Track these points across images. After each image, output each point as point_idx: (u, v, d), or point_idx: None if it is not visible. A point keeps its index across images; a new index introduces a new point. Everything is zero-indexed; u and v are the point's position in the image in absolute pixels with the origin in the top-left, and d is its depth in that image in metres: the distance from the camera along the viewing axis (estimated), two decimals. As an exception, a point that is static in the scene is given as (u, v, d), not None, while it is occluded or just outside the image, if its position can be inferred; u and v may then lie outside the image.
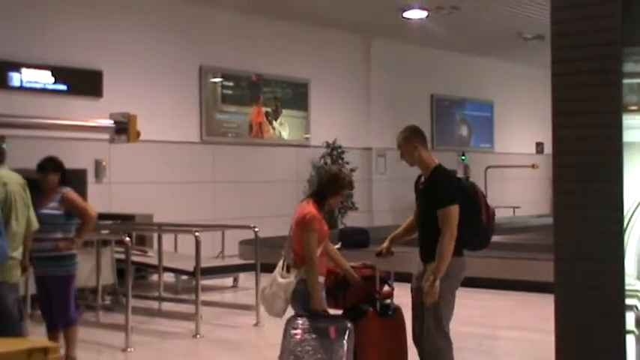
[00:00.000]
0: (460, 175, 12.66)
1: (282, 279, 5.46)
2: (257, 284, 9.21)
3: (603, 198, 3.59)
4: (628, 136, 3.55)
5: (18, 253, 5.93)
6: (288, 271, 5.48)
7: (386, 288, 5.70)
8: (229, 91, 15.94)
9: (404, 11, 15.91)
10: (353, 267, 5.73)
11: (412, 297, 5.51)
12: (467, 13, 16.03)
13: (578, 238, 3.68)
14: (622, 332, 3.58)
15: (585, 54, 3.63)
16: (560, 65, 3.75)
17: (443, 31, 17.55)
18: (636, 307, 3.59)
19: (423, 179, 5.49)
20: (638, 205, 3.54)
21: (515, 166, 21.44)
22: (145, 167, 14.33)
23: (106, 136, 12.82)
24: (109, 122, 12.56)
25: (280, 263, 5.56)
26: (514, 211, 20.58)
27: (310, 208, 5.54)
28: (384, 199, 18.80)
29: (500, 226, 16.76)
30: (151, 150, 14.04)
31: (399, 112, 19.18)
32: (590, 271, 3.64)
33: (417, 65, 19.68)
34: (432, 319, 5.25)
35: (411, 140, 5.49)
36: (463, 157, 21.08)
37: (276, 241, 13.73)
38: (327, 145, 17.33)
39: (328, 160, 17.31)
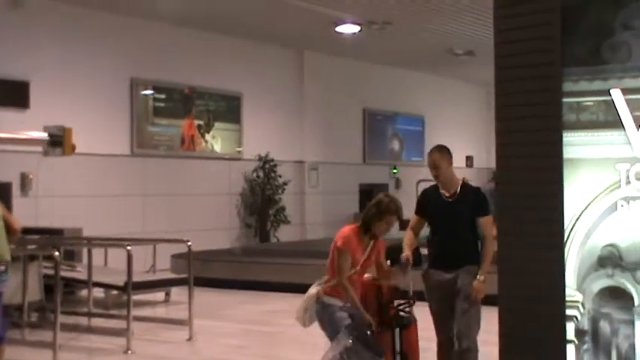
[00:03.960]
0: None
1: (312, 290, 5.81)
2: (190, 298, 9.13)
3: (545, 213, 3.71)
4: (567, 152, 3.69)
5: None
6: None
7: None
8: (161, 104, 15.81)
9: (337, 25, 16.01)
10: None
11: (437, 306, 6.05)
12: (399, 28, 16.20)
13: (521, 252, 3.79)
14: (563, 342, 3.70)
15: (528, 74, 3.76)
16: (503, 85, 3.87)
17: (375, 45, 17.75)
18: (576, 318, 3.71)
19: (446, 193, 6.09)
20: (577, 219, 3.69)
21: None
22: (74, 180, 14.09)
23: (35, 148, 12.56)
24: (43, 135, 12.30)
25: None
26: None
27: (347, 230, 5.75)
28: (316, 212, 18.83)
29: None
30: (80, 163, 13.81)
31: (332, 126, 19.32)
32: (532, 284, 3.75)
33: (349, 79, 19.83)
34: (476, 316, 5.90)
35: (446, 157, 6.16)
36: (395, 171, 21.29)
37: (208, 255, 13.75)
38: (260, 159, 17.32)
39: (260, 174, 17.30)
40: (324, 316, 5.70)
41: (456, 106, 23.68)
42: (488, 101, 25.19)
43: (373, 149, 20.80)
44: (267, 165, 17.36)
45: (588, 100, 3.61)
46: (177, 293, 11.62)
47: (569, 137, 3.67)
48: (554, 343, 3.67)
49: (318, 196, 18.88)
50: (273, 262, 13.72)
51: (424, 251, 6.30)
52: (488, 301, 6.40)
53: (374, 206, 5.77)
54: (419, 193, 6.59)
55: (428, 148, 23.62)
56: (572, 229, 3.67)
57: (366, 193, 20.93)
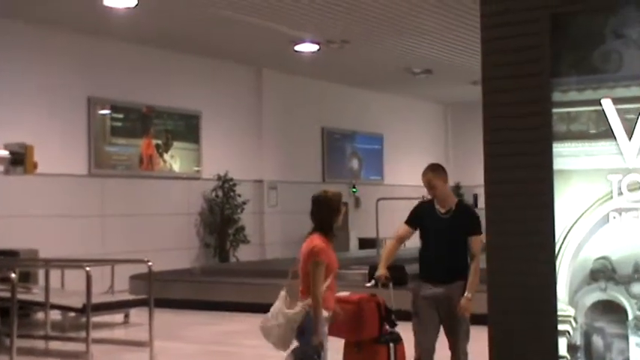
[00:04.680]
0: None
1: (288, 310, 5.51)
2: (150, 319, 8.94)
3: (535, 225, 3.66)
4: (558, 163, 3.63)
5: None
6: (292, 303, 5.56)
7: None
8: (119, 123, 15.58)
9: (295, 44, 15.98)
10: (339, 298, 5.93)
11: (423, 317, 6.18)
12: (357, 47, 16.24)
13: (511, 266, 3.73)
14: (555, 358, 3.64)
15: (516, 84, 3.70)
16: (490, 95, 3.82)
17: (334, 64, 17.77)
18: (568, 333, 3.64)
19: (441, 209, 6.25)
20: (568, 232, 3.61)
21: (406, 198, 21.71)
22: (30, 201, 13.80)
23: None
24: (4, 153, 11.91)
25: (283, 294, 5.62)
26: (405, 243, 20.79)
27: (318, 241, 5.60)
28: (275, 231, 18.70)
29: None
30: (36, 183, 13.51)
31: (291, 145, 19.25)
32: (523, 298, 3.69)
33: (308, 98, 19.79)
34: (466, 330, 6.11)
35: (441, 175, 6.32)
36: (354, 190, 21.26)
37: (167, 276, 13.54)
38: (219, 178, 17.16)
39: (220, 193, 17.13)
40: (307, 325, 5.49)
41: (414, 124, 23.78)
42: (446, 119, 25.39)
43: (332, 168, 20.76)
44: (226, 184, 17.21)
45: (578, 110, 3.56)
46: (136, 314, 11.43)
47: (559, 148, 3.62)
48: (546, 358, 3.59)
49: (278, 216, 18.76)
50: (233, 281, 13.57)
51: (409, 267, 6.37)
52: (478, 320, 6.48)
53: (324, 207, 5.74)
54: (414, 206, 6.67)
55: (387, 166, 23.85)
56: (563, 241, 3.62)
57: (325, 212, 20.88)
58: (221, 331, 11.21)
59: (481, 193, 15.45)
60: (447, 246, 6.21)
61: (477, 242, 6.17)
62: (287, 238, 18.77)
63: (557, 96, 3.62)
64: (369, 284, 6.45)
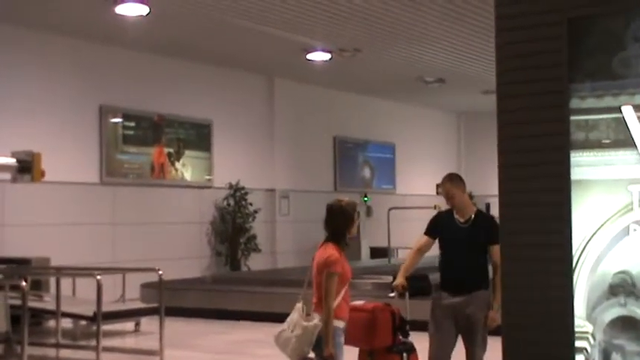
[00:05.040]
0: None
1: (306, 322, 5.45)
2: (161, 328, 8.91)
3: (552, 237, 3.53)
4: (576, 173, 3.52)
5: None
6: (308, 314, 5.50)
7: None
8: (130, 132, 15.59)
9: (307, 53, 15.95)
10: (354, 307, 5.91)
11: (440, 326, 6.15)
12: (369, 56, 16.20)
13: (527, 279, 3.61)
14: None
15: (532, 90, 3.58)
16: (506, 102, 3.69)
17: (346, 73, 17.74)
18: (586, 350, 3.51)
19: (460, 219, 6.26)
20: (587, 244, 3.49)
21: (418, 208, 21.67)
22: (42, 209, 13.80)
23: (5, 175, 12.17)
24: (11, 161, 11.84)
25: (299, 306, 5.58)
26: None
27: (332, 251, 5.53)
28: (287, 240, 18.65)
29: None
30: (48, 191, 13.53)
31: (303, 154, 19.21)
32: (538, 313, 3.57)
33: (320, 107, 19.76)
34: (483, 339, 6.13)
35: (459, 185, 6.31)
36: (366, 199, 21.19)
37: (179, 284, 13.51)
38: (230, 187, 17.13)
39: (231, 202, 17.10)
40: (323, 337, 5.43)
41: (426, 133, 23.71)
42: (459, 128, 25.31)
43: (344, 177, 20.70)
44: (237, 193, 17.17)
45: (597, 118, 3.45)
46: (147, 323, 11.39)
47: (577, 157, 3.51)
48: None
49: (289, 224, 18.71)
50: (245, 290, 13.53)
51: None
52: (493, 330, 6.44)
53: (339, 216, 5.66)
54: (431, 217, 6.62)
55: (399, 175, 23.80)
56: (581, 254, 3.49)
57: (337, 221, 20.81)
58: (232, 341, 11.16)
59: (494, 202, 15.34)
60: (466, 256, 6.19)
61: (498, 251, 6.10)
62: (299, 247, 18.73)
63: (575, 103, 3.51)
64: (392, 294, 6.38)
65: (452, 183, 6.31)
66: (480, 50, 15.63)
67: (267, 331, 11.71)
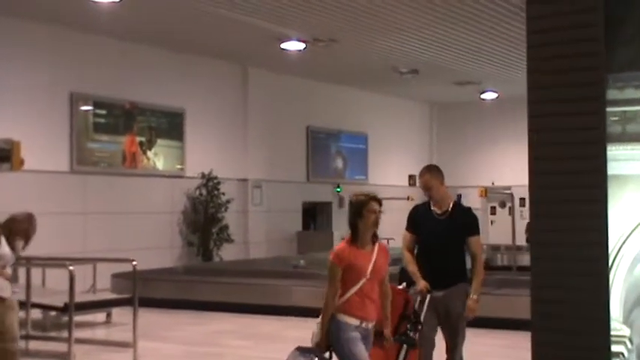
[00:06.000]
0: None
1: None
2: (135, 319, 8.79)
3: (587, 235, 3.35)
4: (612, 168, 3.32)
5: None
6: None
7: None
8: (102, 120, 15.40)
9: (282, 42, 15.84)
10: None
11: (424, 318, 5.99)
12: (344, 46, 16.11)
13: (558, 280, 3.42)
14: None
15: (566, 81, 3.39)
16: (537, 93, 3.47)
17: (320, 63, 17.65)
18: (622, 355, 3.33)
19: (437, 211, 6.19)
20: (623, 243, 3.32)
21: (391, 198, 21.65)
22: (10, 197, 13.56)
23: None
24: None
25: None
26: (388, 242, 20.70)
27: (341, 244, 5.47)
28: (259, 230, 18.58)
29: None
30: (16, 179, 13.30)
31: (276, 143, 19.13)
32: (571, 315, 3.38)
33: (294, 96, 19.68)
34: (463, 331, 6.12)
35: (438, 176, 6.23)
36: (338, 189, 21.16)
37: (150, 275, 13.37)
38: (203, 176, 17.00)
39: (204, 192, 16.98)
40: (335, 335, 5.28)
41: (399, 124, 23.70)
42: (432, 119, 25.32)
43: (317, 167, 20.65)
44: (210, 183, 17.06)
45: (636, 110, 3.23)
46: (118, 314, 11.27)
47: (614, 151, 3.31)
48: None
49: (262, 215, 18.63)
50: (217, 281, 13.43)
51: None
52: (478, 323, 6.42)
53: (349, 210, 5.51)
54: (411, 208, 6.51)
55: (371, 166, 23.76)
56: (617, 254, 3.33)
57: (310, 211, 20.77)
58: (205, 331, 11.07)
59: (465, 193, 15.34)
60: (445, 248, 6.10)
61: (477, 243, 6.16)
62: (271, 237, 18.68)
63: (612, 94, 3.31)
64: (400, 287, 6.23)
65: (431, 174, 6.24)
66: (455, 41, 15.61)
67: (240, 321, 11.74)
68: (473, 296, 6.01)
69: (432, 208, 6.26)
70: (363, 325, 5.28)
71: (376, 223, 5.36)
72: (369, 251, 5.35)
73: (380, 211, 5.40)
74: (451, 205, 6.27)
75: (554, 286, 3.48)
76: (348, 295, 5.26)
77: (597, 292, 3.35)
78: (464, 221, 6.19)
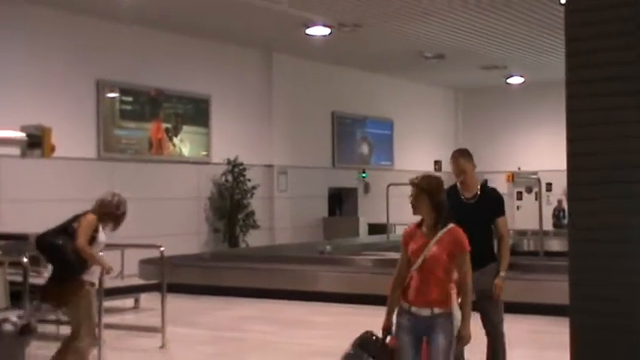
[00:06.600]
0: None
1: None
2: (163, 305, 8.85)
3: (625, 217, 3.31)
4: None
5: None
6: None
7: None
8: (128, 107, 15.47)
9: (307, 27, 15.82)
10: None
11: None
12: (369, 31, 16.07)
13: (597, 262, 3.39)
14: None
15: (609, 59, 3.34)
16: (575, 73, 3.41)
17: (345, 48, 17.59)
18: None
19: (467, 194, 6.30)
20: None
21: (416, 184, 21.64)
22: (39, 184, 13.71)
23: (12, 150, 11.97)
24: (21, 135, 11.57)
25: None
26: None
27: (411, 226, 5.12)
28: (285, 216, 18.61)
29: (401, 243, 16.89)
30: (45, 167, 13.42)
31: (301, 130, 19.12)
32: (609, 297, 3.35)
33: (319, 82, 19.65)
34: (501, 310, 6.28)
35: (471, 160, 6.35)
36: (364, 175, 21.14)
37: (177, 260, 13.44)
38: (229, 162, 17.04)
39: (230, 178, 17.03)
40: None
41: (425, 109, 23.62)
42: (457, 105, 25.20)
43: (342, 153, 20.63)
44: (235, 169, 17.09)
45: None
46: (146, 300, 11.33)
47: None
48: None
49: (287, 201, 18.65)
50: (243, 267, 13.48)
51: None
52: (505, 308, 6.43)
53: (437, 192, 5.05)
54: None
55: (397, 151, 23.63)
56: None
57: (335, 197, 20.77)
58: (232, 317, 11.12)
59: (492, 179, 15.13)
60: (475, 231, 5.97)
61: (504, 223, 6.29)
62: (296, 223, 18.70)
63: None
64: None
65: (465, 158, 6.31)
66: (481, 26, 15.51)
67: (266, 307, 11.78)
68: (502, 274, 6.17)
69: (461, 192, 6.31)
70: (406, 308, 5.05)
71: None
72: (432, 235, 5.07)
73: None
74: (479, 188, 6.35)
75: (592, 268, 3.45)
76: (407, 281, 5.04)
77: (637, 275, 3.32)
78: (491, 203, 6.32)
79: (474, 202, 6.29)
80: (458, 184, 6.33)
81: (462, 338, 4.88)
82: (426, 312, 4.86)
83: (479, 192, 6.32)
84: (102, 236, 6.72)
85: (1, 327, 6.29)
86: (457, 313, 4.87)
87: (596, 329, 3.46)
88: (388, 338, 4.97)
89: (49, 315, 10.61)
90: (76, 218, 6.78)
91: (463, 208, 6.17)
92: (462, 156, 6.33)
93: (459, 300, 4.93)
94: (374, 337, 5.04)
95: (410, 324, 4.88)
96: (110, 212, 6.91)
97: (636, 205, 3.35)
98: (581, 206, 3.53)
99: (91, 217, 6.69)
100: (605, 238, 3.39)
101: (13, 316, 6.63)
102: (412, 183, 5.05)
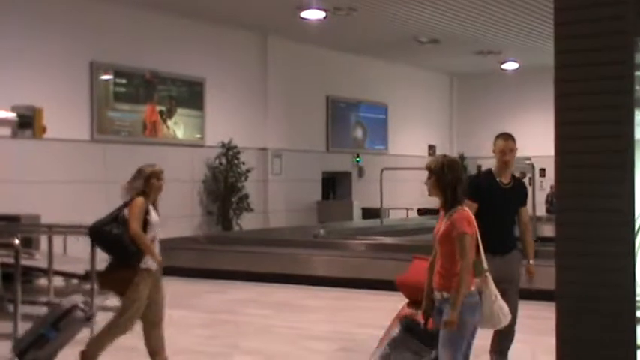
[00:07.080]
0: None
1: None
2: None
3: (612, 200, 3.33)
4: (638, 133, 3.31)
5: None
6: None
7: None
8: (122, 89, 15.41)
9: (301, 11, 15.75)
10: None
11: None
12: (364, 15, 16.02)
13: (583, 246, 3.42)
14: (632, 348, 3.34)
15: (594, 44, 3.34)
16: (564, 56, 3.43)
17: (340, 32, 17.54)
18: None
19: (504, 181, 6.34)
20: None
21: (410, 169, 21.62)
22: (32, 166, 13.66)
23: (3, 131, 11.89)
24: (12, 115, 11.39)
25: None
26: (407, 213, 20.74)
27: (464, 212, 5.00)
28: (279, 200, 18.61)
29: (395, 228, 16.92)
30: (37, 148, 13.40)
31: (295, 113, 19.09)
32: (595, 280, 3.37)
33: (313, 66, 19.60)
34: (517, 295, 6.42)
35: (515, 144, 6.48)
36: (358, 159, 21.14)
37: (171, 243, 13.41)
38: (223, 145, 17.01)
39: (224, 161, 17.00)
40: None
41: (419, 94, 23.59)
42: (452, 90, 25.17)
43: (336, 137, 20.61)
44: (230, 152, 17.07)
45: None
46: (140, 282, 11.30)
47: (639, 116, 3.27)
48: (621, 348, 3.29)
49: (281, 184, 18.64)
50: (237, 250, 13.48)
51: None
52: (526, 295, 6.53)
53: (448, 172, 4.92)
54: (472, 175, 6.61)
55: (391, 136, 23.63)
56: None
57: (329, 181, 20.77)
58: (227, 300, 11.13)
59: (485, 164, 15.17)
60: (509, 216, 6.37)
61: (527, 212, 6.52)
62: (290, 207, 18.70)
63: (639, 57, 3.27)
64: None
65: (513, 141, 6.43)
66: (476, 11, 15.47)
67: (261, 290, 11.78)
68: (531, 261, 6.44)
69: (498, 178, 6.36)
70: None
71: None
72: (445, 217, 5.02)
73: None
74: (511, 175, 6.46)
75: (577, 252, 3.46)
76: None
77: (622, 258, 3.33)
78: (522, 192, 6.49)
79: (509, 188, 6.37)
80: (493, 169, 6.38)
81: (447, 324, 4.73)
82: (438, 295, 4.90)
83: (512, 179, 6.42)
84: (154, 217, 6.67)
85: (72, 313, 6.62)
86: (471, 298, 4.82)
87: (581, 313, 3.48)
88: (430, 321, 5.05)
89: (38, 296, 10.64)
90: (126, 205, 6.71)
91: (501, 192, 6.30)
92: (510, 138, 6.48)
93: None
94: (417, 322, 5.14)
95: (436, 307, 4.94)
96: (152, 183, 6.83)
97: (622, 190, 3.36)
98: (568, 189, 3.55)
99: (139, 201, 6.59)
100: (591, 222, 3.40)
101: (80, 302, 6.78)
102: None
